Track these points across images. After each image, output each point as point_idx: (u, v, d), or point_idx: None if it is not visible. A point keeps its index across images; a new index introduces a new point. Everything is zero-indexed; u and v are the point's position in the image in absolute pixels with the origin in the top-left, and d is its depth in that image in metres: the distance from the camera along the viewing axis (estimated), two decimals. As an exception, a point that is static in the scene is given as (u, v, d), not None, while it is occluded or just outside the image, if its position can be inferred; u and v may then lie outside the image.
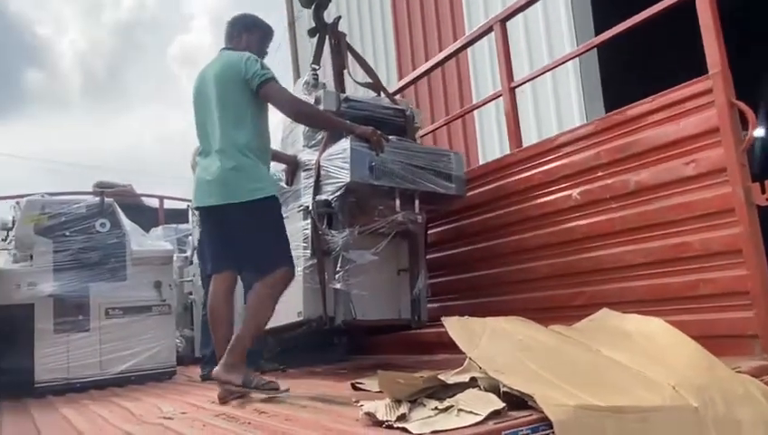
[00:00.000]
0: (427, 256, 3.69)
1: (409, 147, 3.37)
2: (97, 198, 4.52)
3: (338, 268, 3.20)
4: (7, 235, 4.52)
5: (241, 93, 2.73)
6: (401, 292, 3.52)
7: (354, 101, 3.52)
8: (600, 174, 2.88)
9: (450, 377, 1.96)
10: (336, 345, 4.46)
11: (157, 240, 5.35)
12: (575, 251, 3.00)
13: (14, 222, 4.35)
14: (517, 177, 3.35)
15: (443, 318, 2.20)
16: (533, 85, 4.99)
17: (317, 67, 3.66)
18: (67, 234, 4.21)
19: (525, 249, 3.27)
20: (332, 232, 3.22)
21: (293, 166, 3.43)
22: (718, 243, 2.38)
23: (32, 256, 4.12)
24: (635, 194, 2.71)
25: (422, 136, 5.06)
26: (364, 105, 3.60)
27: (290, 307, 3.36)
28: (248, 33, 3.01)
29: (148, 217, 7.28)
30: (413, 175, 3.24)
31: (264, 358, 3.89)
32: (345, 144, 3.09)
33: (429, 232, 3.81)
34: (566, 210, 3.04)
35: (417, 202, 3.32)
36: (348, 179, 3.05)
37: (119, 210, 4.68)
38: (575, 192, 2.99)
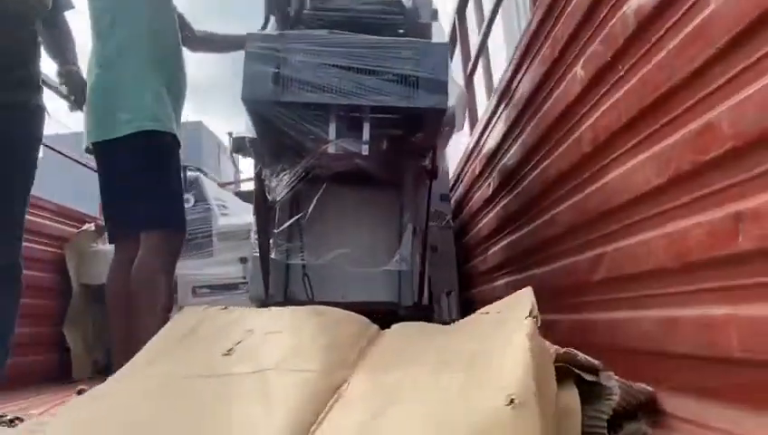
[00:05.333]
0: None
1: (341, 41, 2.14)
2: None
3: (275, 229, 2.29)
4: None
5: None
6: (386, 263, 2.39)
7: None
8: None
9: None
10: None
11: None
12: (586, 181, 1.55)
13: None
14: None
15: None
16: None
17: None
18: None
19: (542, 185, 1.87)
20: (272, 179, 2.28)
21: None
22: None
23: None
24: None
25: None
26: (339, 3, 2.52)
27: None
28: None
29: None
30: (349, 84, 2.07)
31: None
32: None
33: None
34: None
35: (366, 126, 2.13)
36: (241, 97, 2.07)
37: (204, 183, 4.40)
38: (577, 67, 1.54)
